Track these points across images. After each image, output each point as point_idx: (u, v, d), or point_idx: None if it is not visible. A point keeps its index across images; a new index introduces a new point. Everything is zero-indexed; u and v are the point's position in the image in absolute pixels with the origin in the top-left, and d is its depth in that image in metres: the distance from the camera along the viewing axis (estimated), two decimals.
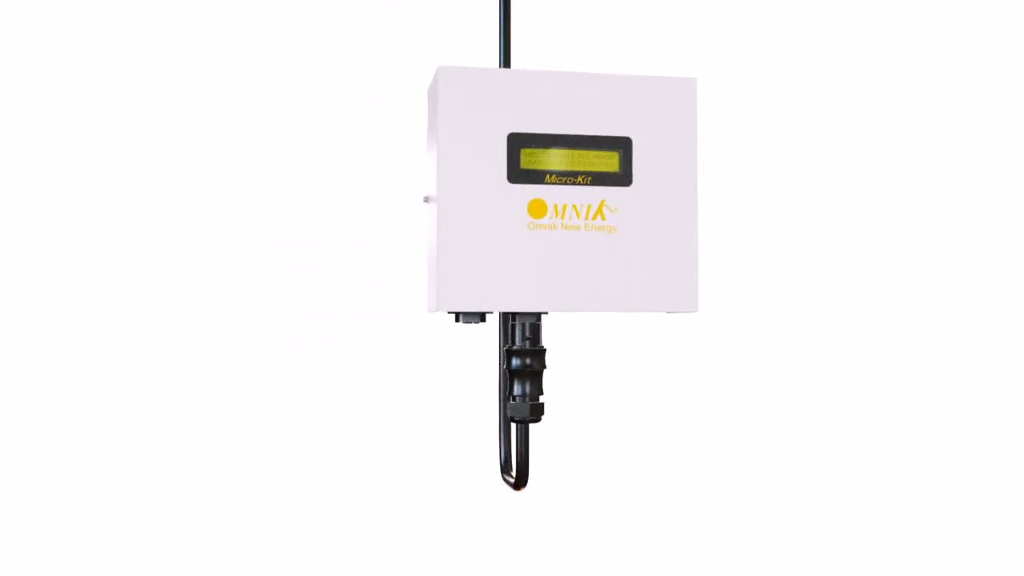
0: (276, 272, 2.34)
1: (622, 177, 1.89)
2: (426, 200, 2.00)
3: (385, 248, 2.34)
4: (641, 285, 1.88)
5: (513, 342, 1.96)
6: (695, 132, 1.93)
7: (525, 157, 1.86)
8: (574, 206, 1.87)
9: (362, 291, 2.34)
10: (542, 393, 1.97)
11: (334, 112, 2.38)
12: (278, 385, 2.32)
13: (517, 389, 1.95)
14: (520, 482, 2.04)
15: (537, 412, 1.95)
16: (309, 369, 2.33)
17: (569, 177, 1.87)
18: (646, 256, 1.89)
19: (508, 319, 1.99)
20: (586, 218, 1.87)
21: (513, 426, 2.08)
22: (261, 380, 2.32)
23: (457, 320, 1.90)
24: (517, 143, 1.86)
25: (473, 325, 1.91)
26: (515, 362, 1.94)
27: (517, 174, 1.85)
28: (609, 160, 1.89)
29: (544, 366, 1.96)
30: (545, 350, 1.96)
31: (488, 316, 1.91)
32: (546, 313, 1.93)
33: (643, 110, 1.91)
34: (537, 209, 1.86)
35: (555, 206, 1.86)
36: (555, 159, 1.87)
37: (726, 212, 2.41)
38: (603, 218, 1.88)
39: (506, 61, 2.13)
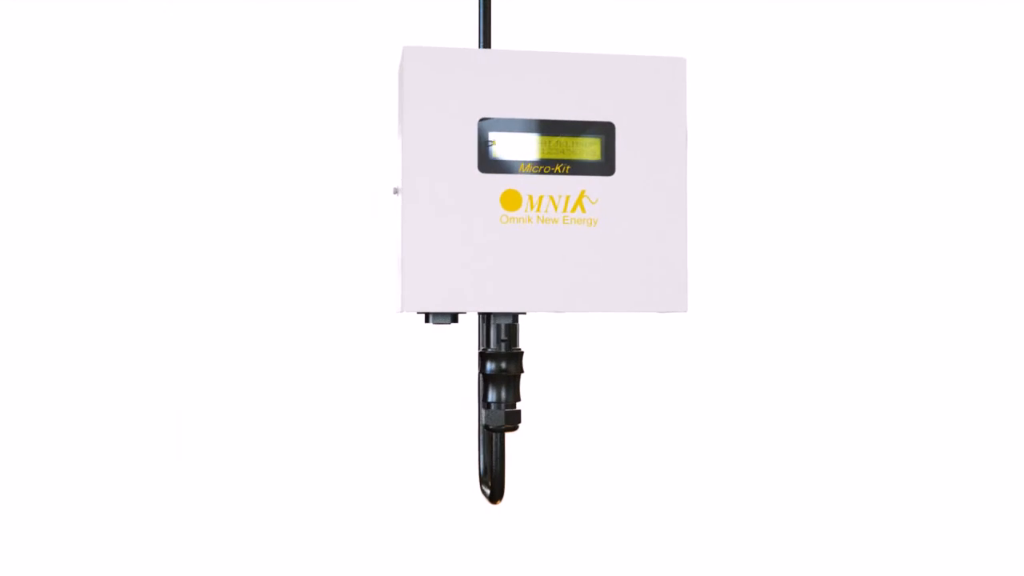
0: (237, 270, 2.24)
1: (604, 166, 1.77)
2: (395, 192, 1.88)
3: (355, 243, 2.25)
4: (625, 283, 1.77)
5: (488, 345, 1.84)
6: (684, 117, 1.81)
7: (497, 144, 1.73)
8: (551, 198, 1.74)
9: (330, 290, 2.25)
10: (519, 399, 1.86)
11: (305, 100, 2.28)
12: (238, 394, 2.22)
13: (492, 395, 1.85)
14: (496, 495, 1.91)
15: (513, 420, 1.85)
16: (273, 373, 2.23)
17: (546, 166, 1.75)
18: (630, 252, 1.77)
19: (486, 320, 1.86)
20: (564, 210, 1.75)
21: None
22: (220, 389, 2.22)
23: (427, 321, 1.78)
24: (489, 129, 1.73)
25: (446, 326, 1.81)
26: (490, 366, 1.84)
27: (488, 163, 1.73)
28: (590, 147, 1.77)
29: (521, 370, 1.85)
30: (522, 353, 1.85)
31: (464, 316, 1.79)
32: (523, 313, 1.81)
33: (628, 93, 1.79)
34: (511, 201, 1.74)
35: (530, 198, 1.74)
36: (530, 146, 1.75)
37: (718, 204, 2.31)
38: (583, 210, 1.76)
39: (486, 42, 1.99)
